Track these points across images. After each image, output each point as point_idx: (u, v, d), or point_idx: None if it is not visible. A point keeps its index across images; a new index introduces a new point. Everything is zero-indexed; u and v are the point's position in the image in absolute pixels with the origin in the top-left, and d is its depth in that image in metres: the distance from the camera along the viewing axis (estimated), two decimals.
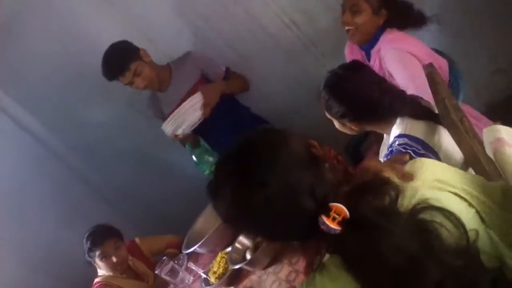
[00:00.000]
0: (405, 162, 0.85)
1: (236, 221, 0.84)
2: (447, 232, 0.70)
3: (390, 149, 1.23)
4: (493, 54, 2.28)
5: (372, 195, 0.74)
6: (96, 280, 2.09)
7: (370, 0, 1.66)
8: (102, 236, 2.06)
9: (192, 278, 1.91)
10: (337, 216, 0.71)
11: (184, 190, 2.55)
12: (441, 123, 1.24)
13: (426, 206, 0.72)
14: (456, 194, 0.77)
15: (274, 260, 1.53)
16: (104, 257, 2.04)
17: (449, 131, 1.19)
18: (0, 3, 2.20)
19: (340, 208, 0.72)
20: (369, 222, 0.71)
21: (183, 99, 2.07)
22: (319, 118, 1.46)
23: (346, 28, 1.72)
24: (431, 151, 1.19)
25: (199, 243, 1.74)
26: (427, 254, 0.68)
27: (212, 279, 1.69)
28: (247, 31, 2.26)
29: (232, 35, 2.30)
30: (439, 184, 0.78)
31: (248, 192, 0.76)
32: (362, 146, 1.89)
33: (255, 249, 1.59)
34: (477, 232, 0.72)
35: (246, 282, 1.59)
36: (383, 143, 1.45)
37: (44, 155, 2.57)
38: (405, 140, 1.20)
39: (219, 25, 2.28)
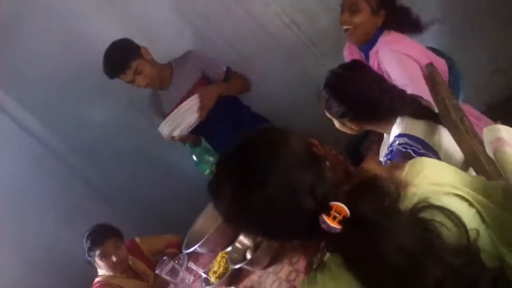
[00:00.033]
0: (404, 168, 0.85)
1: (236, 220, 0.84)
2: (448, 231, 0.70)
3: (390, 148, 1.23)
4: (493, 54, 2.28)
5: (372, 194, 0.74)
6: (96, 279, 2.09)
7: (369, 0, 1.66)
8: (102, 236, 2.06)
9: (192, 278, 1.91)
10: (337, 215, 0.71)
11: (184, 190, 2.55)
12: (441, 123, 1.24)
13: (427, 205, 0.72)
14: (456, 194, 0.77)
15: (274, 259, 1.53)
16: (104, 256, 2.04)
17: (449, 130, 1.19)
18: (0, 3, 2.20)
19: (341, 207, 0.72)
20: (370, 221, 0.71)
21: (184, 98, 2.07)
22: (319, 118, 1.46)
23: (345, 27, 1.72)
24: (431, 151, 1.19)
25: (200, 243, 1.74)
26: (427, 253, 0.68)
27: (212, 279, 1.69)
28: (247, 31, 2.26)
29: (232, 35, 2.29)
30: (438, 187, 0.77)
31: (248, 192, 0.76)
32: (362, 146, 1.89)
33: (255, 248, 1.59)
34: (477, 231, 0.72)
35: (246, 281, 1.59)
36: (383, 142, 1.45)
37: (44, 155, 2.57)
38: (405, 139, 1.20)
39: (219, 25, 2.27)
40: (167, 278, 1.91)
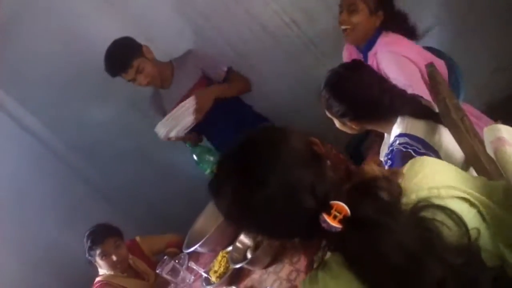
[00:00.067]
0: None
1: (237, 219, 0.84)
2: (448, 230, 0.70)
3: (390, 148, 1.23)
4: (493, 53, 2.28)
5: (373, 193, 0.74)
6: (97, 279, 2.09)
7: (367, 0, 1.67)
8: (102, 235, 2.06)
9: (193, 277, 1.91)
10: (338, 214, 0.71)
11: (184, 190, 2.55)
12: (441, 122, 1.24)
13: (427, 204, 0.72)
14: (457, 197, 0.77)
15: (275, 259, 1.53)
16: (104, 255, 2.04)
17: (449, 130, 1.19)
18: (0, 3, 2.20)
19: (341, 206, 0.72)
20: (370, 220, 0.71)
21: (184, 97, 2.07)
22: (319, 117, 1.46)
23: (343, 27, 1.73)
24: (432, 150, 1.19)
25: (200, 243, 1.74)
26: (428, 252, 0.68)
27: (213, 278, 1.69)
28: (247, 30, 2.26)
29: (232, 34, 2.30)
30: (436, 191, 0.77)
31: (248, 191, 0.76)
32: (362, 146, 1.89)
33: (256, 248, 1.59)
34: (478, 230, 0.72)
35: (247, 281, 1.59)
36: (383, 142, 1.45)
37: (45, 155, 2.58)
38: (406, 139, 1.20)
39: (219, 24, 2.28)
40: (168, 277, 1.91)
